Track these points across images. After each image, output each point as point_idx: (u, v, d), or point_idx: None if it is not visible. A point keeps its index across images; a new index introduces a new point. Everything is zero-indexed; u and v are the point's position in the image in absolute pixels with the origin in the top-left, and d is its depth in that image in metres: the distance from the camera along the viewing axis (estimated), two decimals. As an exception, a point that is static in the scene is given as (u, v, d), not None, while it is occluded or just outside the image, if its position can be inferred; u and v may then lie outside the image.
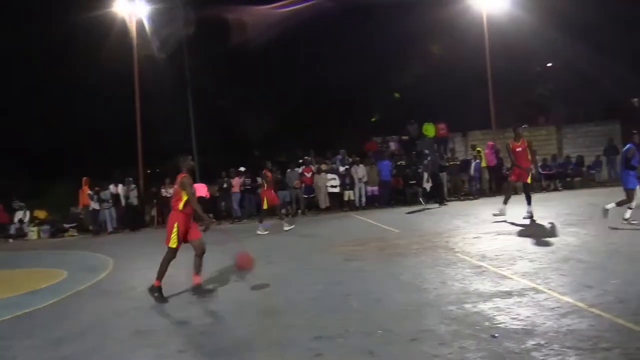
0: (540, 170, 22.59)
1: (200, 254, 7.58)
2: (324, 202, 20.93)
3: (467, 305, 5.85)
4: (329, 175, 21.02)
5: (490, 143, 22.90)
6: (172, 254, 7.54)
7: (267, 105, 29.70)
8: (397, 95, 30.19)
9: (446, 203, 19.62)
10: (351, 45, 30.47)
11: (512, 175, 13.41)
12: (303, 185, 20.91)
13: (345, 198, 21.06)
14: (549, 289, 6.20)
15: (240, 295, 7.54)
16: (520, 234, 10.57)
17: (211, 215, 20.58)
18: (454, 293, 6.43)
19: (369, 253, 10.08)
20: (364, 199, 21.12)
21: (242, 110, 29.63)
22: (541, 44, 27.91)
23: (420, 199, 20.26)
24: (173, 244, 7.49)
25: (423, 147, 23.60)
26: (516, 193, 14.61)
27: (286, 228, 14.95)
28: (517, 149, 12.99)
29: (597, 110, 29.31)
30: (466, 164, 22.34)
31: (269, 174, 15.40)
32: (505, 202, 13.05)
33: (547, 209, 14.75)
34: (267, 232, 14.90)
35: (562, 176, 22.98)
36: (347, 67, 29.91)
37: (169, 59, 26.30)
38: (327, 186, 20.88)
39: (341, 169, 21.47)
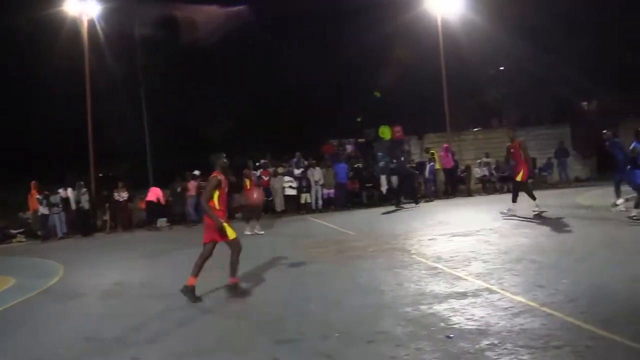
0: (494, 172, 23.09)
1: (208, 257, 7.49)
2: (280, 205, 20.88)
3: (422, 307, 5.93)
4: (286, 178, 20.99)
5: (446, 145, 23.25)
6: (238, 244, 7.54)
7: (223, 107, 29.46)
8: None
9: (402, 205, 19.77)
10: (310, 48, 30.55)
11: (513, 175, 14.21)
12: (261, 188, 20.82)
13: (302, 201, 21.08)
14: (503, 289, 6.34)
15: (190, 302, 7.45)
16: (475, 235, 10.77)
17: (165, 219, 20.40)
18: (410, 295, 6.52)
19: (326, 256, 10.13)
20: (320, 202, 21.15)
21: (197, 111, 29.35)
22: (494, 47, 28.48)
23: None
24: (232, 234, 7.45)
25: (380, 150, 23.81)
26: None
27: (247, 232, 14.81)
28: (512, 150, 13.84)
29: (548, 114, 30.09)
30: (421, 166, 22.61)
31: (250, 173, 15.38)
32: (533, 199, 13.41)
33: (500, 210, 15.08)
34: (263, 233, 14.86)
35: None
36: (305, 70, 29.96)
37: (121, 59, 25.88)
38: (284, 188, 20.84)
39: (297, 171, 21.46)
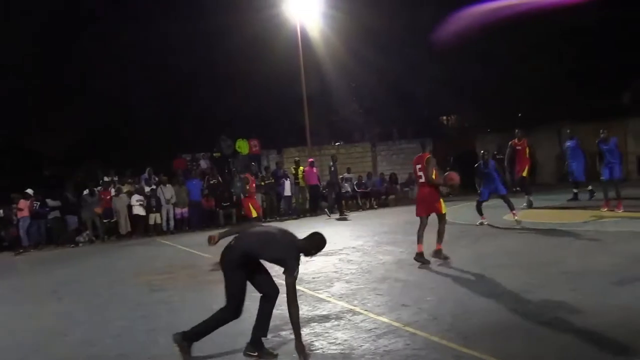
0: (356, 188, 23.72)
1: (425, 226, 9.47)
2: (125, 226, 20.03)
3: (284, 333, 5.92)
4: (136, 197, 20.16)
5: (311, 160, 23.30)
6: (445, 218, 9.56)
7: (60, 118, 27.84)
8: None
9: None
10: (156, 56, 29.75)
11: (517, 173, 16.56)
12: (103, 208, 19.88)
13: (151, 222, 20.35)
14: (366, 310, 6.48)
15: (22, 336, 6.90)
16: (337, 254, 10.97)
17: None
18: (271, 320, 6.46)
19: (177, 282, 9.85)
20: (172, 222, 20.59)
21: (29, 122, 27.56)
22: (356, 61, 29.37)
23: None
24: (445, 209, 9.51)
25: (236, 165, 23.69)
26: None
27: None
28: (517, 147, 16.25)
29: (410, 128, 31.54)
30: (277, 180, 22.53)
31: (252, 178, 14.57)
32: (529, 193, 16.08)
33: (363, 227, 15.57)
34: None
35: (377, 194, 24.29)
36: (152, 80, 29.14)
37: None
38: (131, 207, 20.01)
39: (146, 189, 20.75)
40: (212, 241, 5.87)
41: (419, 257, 9.17)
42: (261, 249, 5.37)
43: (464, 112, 33.82)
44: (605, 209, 13.70)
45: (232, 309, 5.41)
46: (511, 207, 12.71)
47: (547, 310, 5.94)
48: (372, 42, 27.98)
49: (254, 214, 14.29)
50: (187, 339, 5.44)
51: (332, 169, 21.79)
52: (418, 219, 9.58)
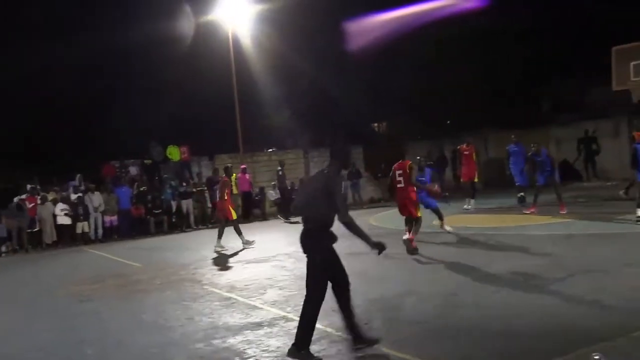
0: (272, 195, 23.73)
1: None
2: (50, 236, 19.36)
3: (215, 341, 5.87)
4: (60, 205, 19.52)
5: (243, 166, 23.17)
6: (421, 220, 10.60)
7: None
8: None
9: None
10: (85, 61, 28.98)
11: (462, 177, 17.79)
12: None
13: (78, 230, 19.75)
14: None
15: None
16: (270, 261, 10.96)
17: None
18: (202, 329, 6.40)
19: (106, 292, 9.63)
20: (100, 231, 20.05)
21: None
22: (288, 67, 29.46)
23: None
24: (420, 213, 10.50)
25: (167, 172, 23.32)
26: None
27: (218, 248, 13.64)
28: (465, 152, 17.32)
29: (341, 134, 31.80)
30: (214, 188, 22.33)
31: (227, 180, 14.41)
32: (473, 197, 17.11)
33: (296, 234, 15.48)
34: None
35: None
36: (80, 85, 28.36)
37: None
38: (55, 217, 19.36)
39: (73, 197, 20.13)
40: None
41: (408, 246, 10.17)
42: (320, 203, 5.63)
43: (394, 119, 34.40)
44: (530, 212, 14.18)
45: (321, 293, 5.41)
46: (440, 217, 12.41)
47: (473, 312, 6.11)
48: (303, 48, 28.16)
49: (234, 216, 14.40)
50: (303, 347, 5.16)
51: (280, 173, 22.73)
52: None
